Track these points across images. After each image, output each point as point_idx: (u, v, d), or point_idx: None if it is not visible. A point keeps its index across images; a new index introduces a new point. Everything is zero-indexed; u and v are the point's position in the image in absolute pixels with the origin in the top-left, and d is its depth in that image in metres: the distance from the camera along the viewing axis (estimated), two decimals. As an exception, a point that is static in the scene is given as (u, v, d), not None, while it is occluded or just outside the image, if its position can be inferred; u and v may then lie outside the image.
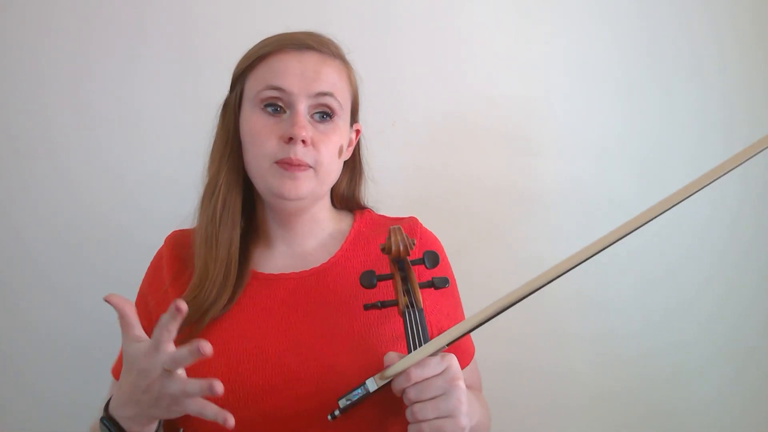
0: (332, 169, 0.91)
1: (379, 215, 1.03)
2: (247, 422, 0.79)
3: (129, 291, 1.16)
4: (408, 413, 0.74)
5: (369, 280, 0.84)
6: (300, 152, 0.85)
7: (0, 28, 1.27)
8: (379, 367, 0.78)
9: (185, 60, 1.28)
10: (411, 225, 0.98)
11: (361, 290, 0.86)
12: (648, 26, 1.33)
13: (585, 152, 1.32)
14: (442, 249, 1.00)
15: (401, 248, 0.83)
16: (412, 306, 0.80)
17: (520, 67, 1.32)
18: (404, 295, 0.81)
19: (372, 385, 0.75)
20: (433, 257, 0.85)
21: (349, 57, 0.96)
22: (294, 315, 0.87)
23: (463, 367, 0.96)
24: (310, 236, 0.95)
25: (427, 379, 0.73)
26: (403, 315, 0.80)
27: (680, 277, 1.32)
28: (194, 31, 1.29)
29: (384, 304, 0.82)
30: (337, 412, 0.77)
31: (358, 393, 0.75)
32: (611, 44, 1.33)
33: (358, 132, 0.99)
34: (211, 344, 0.81)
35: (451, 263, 1.00)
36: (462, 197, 1.30)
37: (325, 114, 0.89)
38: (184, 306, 0.65)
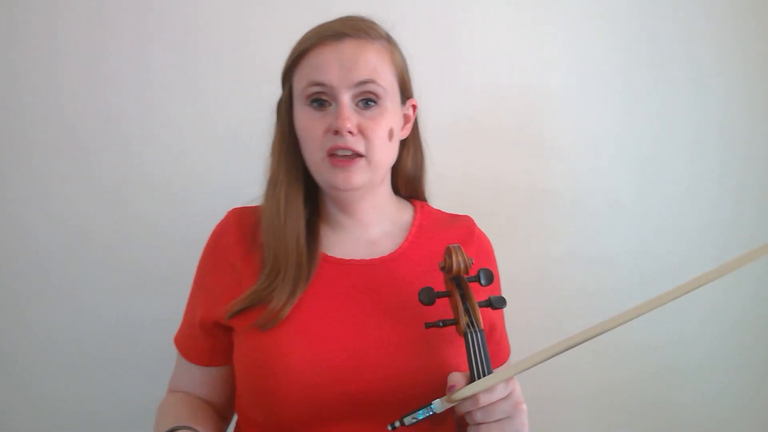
0: (385, 154, 0.91)
1: (437, 209, 1.05)
2: (328, 403, 0.83)
3: (128, 291, 1.28)
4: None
5: (429, 296, 0.85)
6: (349, 141, 0.87)
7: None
8: (436, 362, 0.84)
9: (186, 60, 1.27)
10: (468, 226, 1.02)
11: (422, 283, 0.88)
12: (648, 26, 1.33)
13: (585, 152, 1.34)
14: (493, 251, 1.03)
15: (462, 267, 0.84)
16: (473, 326, 0.81)
17: (520, 66, 1.33)
18: (465, 315, 0.82)
19: (438, 407, 0.77)
20: (488, 275, 0.86)
21: (392, 32, 0.96)
22: (365, 301, 0.89)
23: (498, 365, 1.00)
24: (373, 223, 0.97)
25: (493, 402, 0.76)
26: (465, 335, 0.81)
27: (680, 276, 1.32)
28: (200, 28, 1.28)
29: (445, 323, 0.83)
30: (398, 424, 0.79)
31: (424, 413, 0.78)
32: (612, 44, 1.33)
33: (414, 107, 0.98)
34: (293, 326, 0.86)
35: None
36: (462, 197, 1.31)
37: (370, 100, 0.89)
38: None
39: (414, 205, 1.03)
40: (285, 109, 0.94)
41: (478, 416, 0.76)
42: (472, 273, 0.87)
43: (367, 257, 0.94)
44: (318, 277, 0.90)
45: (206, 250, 0.98)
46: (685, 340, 1.34)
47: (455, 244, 0.85)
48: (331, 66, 0.87)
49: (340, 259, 0.93)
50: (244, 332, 0.88)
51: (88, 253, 1.27)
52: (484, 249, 1.01)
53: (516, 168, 1.33)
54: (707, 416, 1.35)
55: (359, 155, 0.88)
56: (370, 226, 0.97)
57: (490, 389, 0.76)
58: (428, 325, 0.84)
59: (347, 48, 0.88)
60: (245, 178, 1.25)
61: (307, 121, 0.89)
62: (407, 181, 1.03)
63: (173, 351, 1.23)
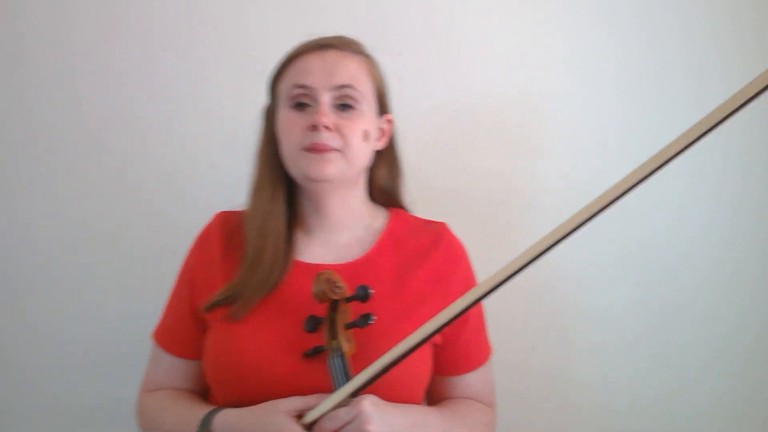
0: (359, 152, 0.95)
1: (414, 216, 1.07)
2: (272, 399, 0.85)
3: (130, 289, 1.30)
4: None
5: (310, 325, 0.87)
6: (325, 137, 0.92)
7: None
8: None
9: (193, 60, 1.31)
10: (438, 232, 1.02)
11: (387, 290, 0.93)
12: (648, 26, 1.30)
13: (585, 152, 1.31)
14: (466, 257, 1.03)
15: (321, 295, 0.86)
16: (334, 350, 0.84)
17: (519, 66, 1.32)
18: (331, 340, 0.85)
19: None
20: (365, 292, 0.87)
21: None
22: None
23: (467, 370, 1.00)
24: (344, 227, 1.00)
25: (336, 429, 0.78)
26: (327, 360, 0.84)
27: (679, 277, 1.31)
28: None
29: (315, 350, 0.86)
30: None
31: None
32: (611, 44, 1.30)
33: (390, 122, 1.03)
34: (252, 324, 0.91)
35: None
36: (461, 197, 1.31)
37: (347, 104, 0.95)
38: None
39: (389, 212, 1.05)
40: (271, 115, 1.00)
41: None
42: (351, 292, 0.88)
43: (335, 262, 0.97)
44: (286, 281, 0.94)
45: (193, 247, 1.03)
46: (682, 346, 1.32)
47: (320, 272, 0.87)
48: (315, 70, 0.94)
49: (308, 264, 0.96)
50: (215, 324, 0.93)
51: (90, 250, 1.30)
52: (452, 256, 1.00)
53: (515, 169, 1.33)
54: (705, 421, 1.33)
55: (335, 150, 0.93)
56: (342, 229, 1.00)
57: (331, 416, 0.78)
58: (306, 355, 0.87)
59: (330, 56, 0.96)
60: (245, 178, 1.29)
61: (288, 121, 0.95)
62: (382, 192, 1.06)
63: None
